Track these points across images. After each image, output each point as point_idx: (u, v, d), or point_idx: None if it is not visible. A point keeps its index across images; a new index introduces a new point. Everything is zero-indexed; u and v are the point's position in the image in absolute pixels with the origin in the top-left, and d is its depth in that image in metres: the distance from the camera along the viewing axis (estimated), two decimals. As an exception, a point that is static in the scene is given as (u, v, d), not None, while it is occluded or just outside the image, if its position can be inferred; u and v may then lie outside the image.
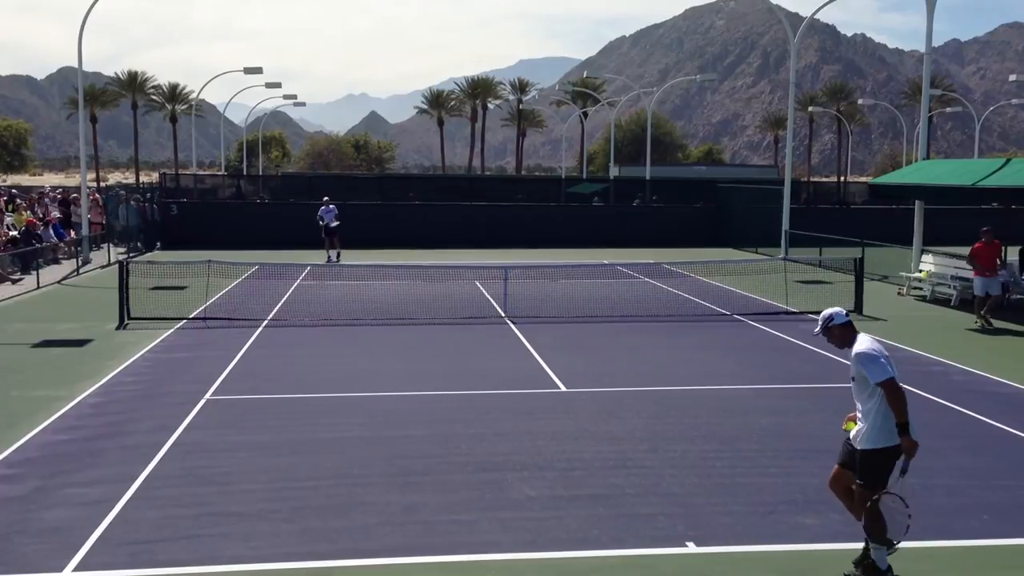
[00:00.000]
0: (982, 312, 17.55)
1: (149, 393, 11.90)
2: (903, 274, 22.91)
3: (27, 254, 24.66)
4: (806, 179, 70.08)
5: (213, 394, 11.77)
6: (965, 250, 23.80)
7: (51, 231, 28.63)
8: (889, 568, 6.40)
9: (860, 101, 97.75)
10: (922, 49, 23.92)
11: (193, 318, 17.48)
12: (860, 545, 6.57)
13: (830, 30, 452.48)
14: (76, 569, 6.64)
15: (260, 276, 22.99)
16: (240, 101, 74.55)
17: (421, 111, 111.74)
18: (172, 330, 16.35)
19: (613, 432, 10.15)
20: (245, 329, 16.42)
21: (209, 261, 19.02)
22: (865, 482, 6.39)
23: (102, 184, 70.67)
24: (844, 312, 6.73)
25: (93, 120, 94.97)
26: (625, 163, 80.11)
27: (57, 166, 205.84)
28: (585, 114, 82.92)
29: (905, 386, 12.73)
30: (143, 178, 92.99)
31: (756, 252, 32.06)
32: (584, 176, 72.16)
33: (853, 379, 6.55)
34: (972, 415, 11.04)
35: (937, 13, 23.28)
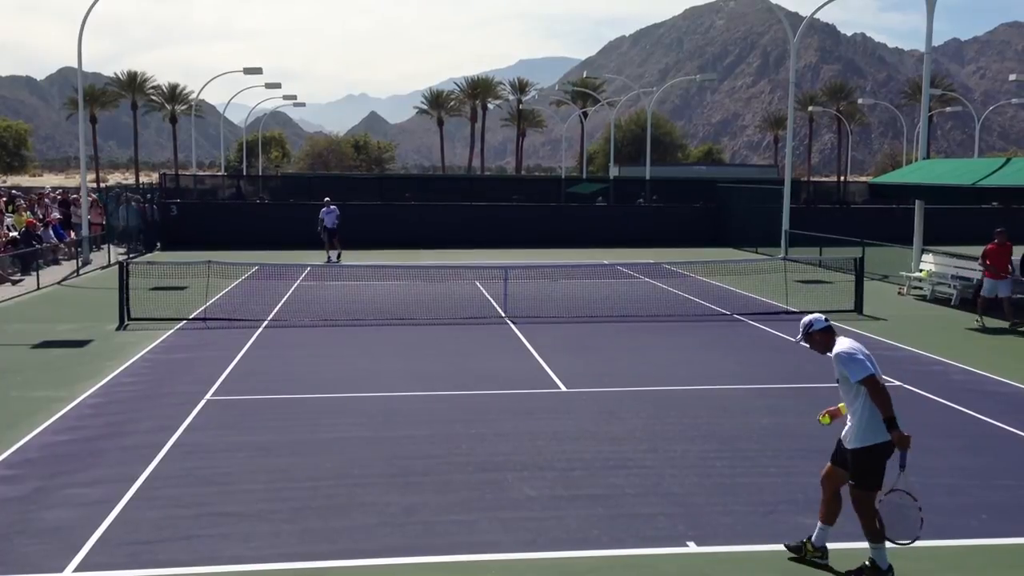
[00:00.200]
0: (1009, 316, 17.36)
1: (149, 394, 11.90)
2: (903, 274, 22.90)
3: (27, 255, 24.66)
4: (806, 179, 70.14)
5: (213, 395, 11.77)
6: (966, 250, 23.86)
7: (51, 232, 28.63)
8: (890, 568, 6.40)
9: (860, 101, 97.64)
10: (922, 48, 23.92)
11: (193, 319, 17.48)
12: (860, 544, 6.56)
13: (830, 29, 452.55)
14: (76, 569, 6.64)
15: (260, 276, 22.98)
16: (240, 101, 74.52)
17: (421, 111, 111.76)
18: (172, 331, 16.35)
19: (613, 432, 10.15)
20: (245, 329, 16.42)
21: (209, 262, 19.02)
22: (858, 482, 6.41)
23: (102, 185, 70.68)
24: (824, 317, 6.76)
25: (93, 120, 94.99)
26: (625, 163, 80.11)
27: (57, 167, 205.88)
28: (585, 114, 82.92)
29: (906, 386, 12.75)
30: (143, 178, 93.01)
31: (756, 252, 32.06)
32: (584, 176, 72.16)
33: (838, 381, 6.58)
34: (972, 414, 11.04)
35: (937, 12, 23.28)
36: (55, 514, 7.70)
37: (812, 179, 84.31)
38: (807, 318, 6.80)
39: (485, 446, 9.61)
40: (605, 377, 12.90)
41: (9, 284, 22.26)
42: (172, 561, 6.76)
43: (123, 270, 17.49)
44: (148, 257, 29.55)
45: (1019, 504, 8.07)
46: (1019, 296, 19.97)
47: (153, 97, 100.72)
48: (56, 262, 26.89)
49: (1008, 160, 21.18)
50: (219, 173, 71.10)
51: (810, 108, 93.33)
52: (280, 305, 19.35)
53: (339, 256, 28.82)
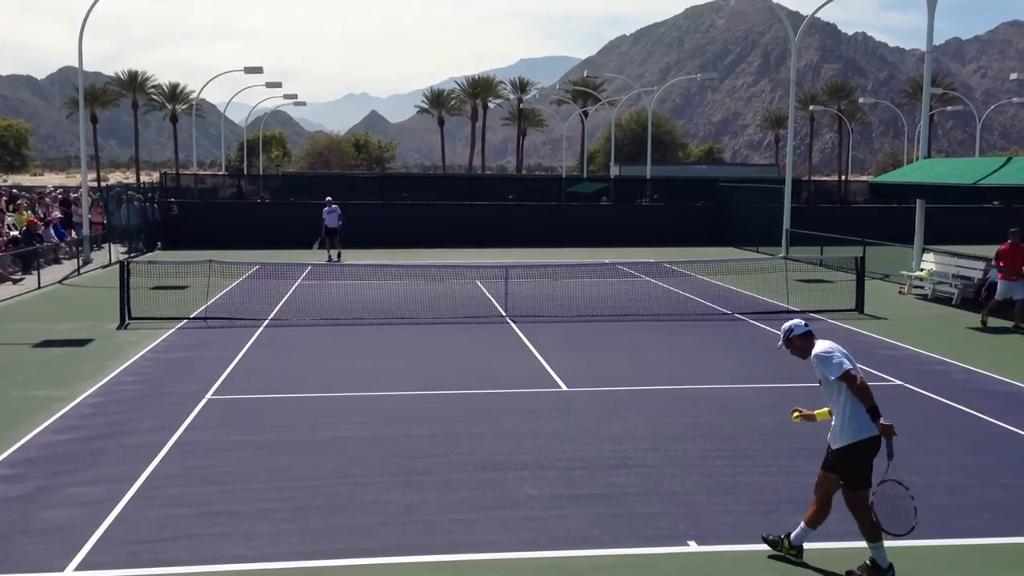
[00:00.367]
0: (1019, 318, 17.24)
1: (150, 393, 11.90)
2: (904, 273, 22.89)
3: (28, 254, 24.67)
4: (807, 178, 70.11)
5: (214, 394, 11.77)
6: (967, 249, 23.87)
7: (52, 231, 28.64)
8: (891, 567, 6.40)
9: (861, 100, 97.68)
10: (923, 48, 23.91)
11: (194, 318, 17.48)
12: (860, 544, 6.56)
13: (831, 29, 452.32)
14: (77, 568, 6.64)
15: (261, 276, 22.99)
16: (240, 101, 74.60)
17: (421, 110, 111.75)
18: (173, 330, 16.35)
19: (614, 431, 10.15)
20: (246, 329, 16.42)
21: (210, 261, 19.02)
22: (848, 481, 6.42)
23: (103, 184, 70.67)
24: (803, 323, 6.83)
25: (94, 120, 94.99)
26: (626, 162, 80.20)
27: (58, 166, 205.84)
28: (585, 113, 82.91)
29: (907, 385, 12.74)
30: (144, 178, 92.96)
31: (757, 251, 32.05)
32: (585, 175, 72.15)
33: (820, 382, 6.64)
34: (973, 414, 11.03)
35: (938, 11, 23.26)
36: (56, 513, 7.70)
37: (813, 178, 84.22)
38: (787, 324, 6.88)
39: (486, 445, 9.61)
40: (606, 376, 12.90)
41: (10, 283, 22.27)
42: (173, 560, 6.76)
43: (124, 269, 17.49)
44: (149, 256, 29.56)
45: (1020, 504, 8.07)
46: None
47: (154, 96, 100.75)
48: (57, 261, 26.90)
49: (1009, 159, 21.16)
50: (220, 172, 71.11)
51: (811, 107, 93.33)
52: (281, 304, 19.36)
53: (339, 256, 28.85)
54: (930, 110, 26.74)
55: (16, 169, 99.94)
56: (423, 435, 9.96)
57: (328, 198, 29.93)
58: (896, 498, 6.27)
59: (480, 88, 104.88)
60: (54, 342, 15.25)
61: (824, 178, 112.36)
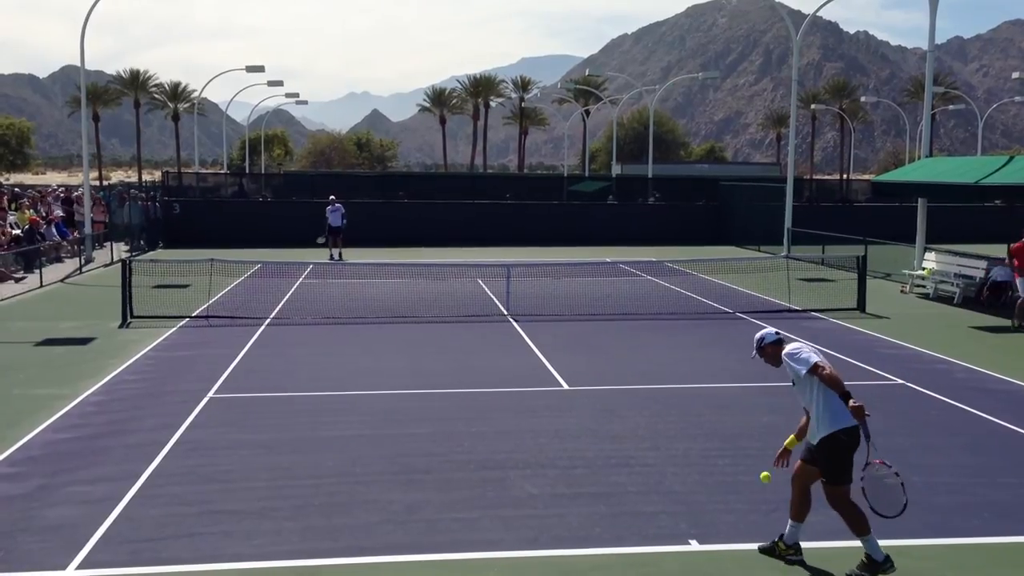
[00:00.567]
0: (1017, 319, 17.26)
1: (152, 391, 11.92)
2: (906, 272, 22.87)
3: (30, 253, 24.69)
4: (808, 177, 70.00)
5: (216, 392, 11.78)
6: (968, 248, 23.85)
7: (54, 230, 28.66)
8: (887, 558, 6.40)
9: (863, 98, 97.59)
10: (925, 46, 23.88)
11: (196, 316, 17.49)
12: (856, 544, 6.55)
13: (832, 27, 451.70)
14: (79, 567, 6.65)
15: (262, 274, 23.00)
16: (242, 99, 74.53)
17: (423, 109, 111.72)
18: (175, 328, 16.36)
19: (615, 430, 10.16)
20: (247, 327, 16.43)
21: (211, 260, 19.03)
22: (830, 476, 6.46)
23: (105, 183, 70.66)
24: (774, 331, 6.94)
25: (96, 119, 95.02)
26: (627, 161, 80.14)
27: (60, 165, 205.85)
28: (587, 112, 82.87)
29: (909, 384, 12.74)
30: (146, 176, 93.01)
31: (759, 250, 32.03)
32: (586, 174, 72.12)
33: (793, 383, 6.74)
34: (975, 412, 11.03)
35: (940, 10, 23.23)
36: (58, 512, 7.71)
37: (815, 177, 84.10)
38: (759, 334, 6.97)
39: (487, 444, 9.62)
40: (607, 375, 12.91)
41: (12, 282, 22.29)
42: (174, 559, 6.77)
43: (126, 268, 17.51)
44: (151, 255, 29.57)
45: (1021, 503, 8.06)
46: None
47: (156, 95, 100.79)
48: (59, 260, 26.93)
49: (1011, 158, 21.14)
50: (222, 171, 71.11)
51: (812, 106, 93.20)
52: (282, 303, 19.37)
53: (340, 255, 28.86)
54: (932, 109, 26.71)
55: (18, 168, 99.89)
56: (424, 434, 9.96)
57: (332, 197, 29.94)
58: (883, 478, 6.32)
59: (482, 87, 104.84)
60: (56, 341, 15.27)
61: (826, 177, 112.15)
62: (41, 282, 22.16)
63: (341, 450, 9.37)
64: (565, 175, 62.98)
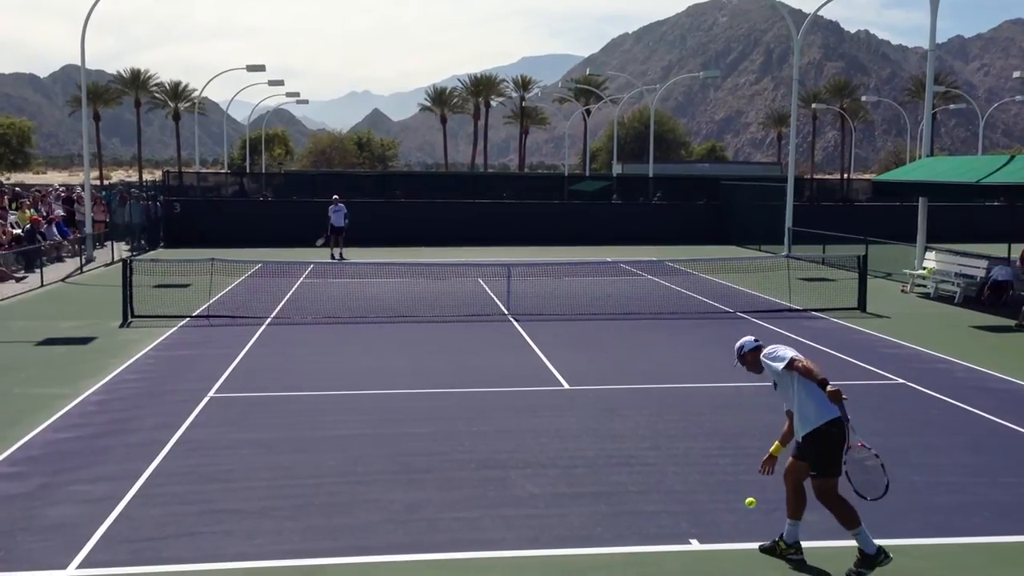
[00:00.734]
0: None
1: (152, 391, 11.92)
2: (907, 271, 22.87)
3: (31, 252, 24.70)
4: (809, 176, 69.96)
5: (216, 392, 11.79)
6: (969, 247, 23.83)
7: (55, 229, 28.67)
8: (880, 549, 6.40)
9: (863, 98, 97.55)
10: (925, 46, 23.86)
11: (196, 316, 17.50)
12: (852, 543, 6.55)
13: (833, 27, 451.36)
14: (80, 566, 6.65)
15: (263, 274, 23.01)
16: (243, 99, 74.47)
17: (424, 108, 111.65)
18: (175, 328, 16.37)
19: (616, 429, 10.16)
20: (248, 327, 16.44)
21: (212, 259, 19.03)
22: (820, 469, 6.48)
23: (106, 182, 70.72)
24: (753, 338, 6.99)
25: (96, 118, 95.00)
26: (628, 160, 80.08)
27: (61, 164, 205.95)
28: (588, 111, 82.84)
29: (909, 383, 12.73)
30: (146, 176, 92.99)
31: (759, 249, 32.02)
32: (587, 174, 72.11)
33: (775, 385, 6.79)
34: (976, 412, 11.02)
35: (941, 9, 23.23)
36: (58, 511, 7.71)
37: (815, 176, 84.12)
38: (739, 342, 7.02)
39: (488, 443, 9.62)
40: (608, 374, 12.91)
41: (13, 281, 22.30)
42: (175, 558, 6.77)
43: (126, 267, 17.51)
44: (151, 254, 29.57)
45: (1022, 502, 8.06)
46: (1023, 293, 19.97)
47: (156, 95, 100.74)
48: (60, 259, 26.94)
49: (1012, 157, 21.15)
50: (222, 170, 71.12)
51: (813, 105, 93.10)
52: (283, 303, 19.37)
53: (341, 255, 28.87)
54: (933, 108, 26.71)
55: (19, 167, 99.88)
56: (425, 433, 9.96)
57: (335, 196, 29.95)
58: (864, 461, 6.37)
59: (483, 86, 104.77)
60: (57, 340, 15.27)
61: (827, 176, 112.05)
62: (42, 281, 22.17)
63: (342, 449, 9.37)
64: (566, 174, 62.97)
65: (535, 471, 8.73)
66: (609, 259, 26.31)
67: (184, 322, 16.91)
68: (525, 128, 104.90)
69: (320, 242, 29.23)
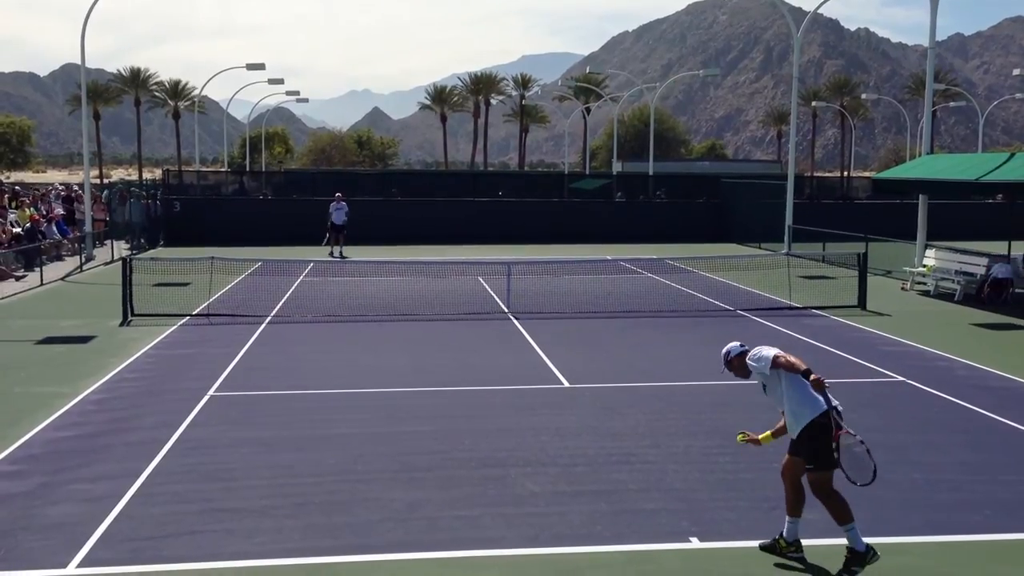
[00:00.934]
0: None
1: (152, 389, 11.92)
2: (907, 269, 22.85)
3: (31, 251, 24.70)
4: (809, 174, 69.97)
5: (216, 390, 11.79)
6: (969, 245, 23.82)
7: (54, 228, 28.67)
8: (868, 548, 6.42)
9: (863, 96, 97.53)
10: (925, 43, 23.85)
11: (196, 315, 17.50)
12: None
13: (833, 24, 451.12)
14: (80, 565, 6.65)
15: (263, 272, 23.00)
16: (243, 97, 74.45)
17: (424, 107, 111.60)
18: (175, 326, 16.36)
19: (616, 428, 10.15)
20: (248, 325, 16.43)
21: (212, 258, 19.03)
22: (815, 463, 6.50)
23: (105, 181, 70.68)
24: (739, 343, 7.01)
25: (96, 117, 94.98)
26: (628, 159, 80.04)
27: (61, 163, 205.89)
28: (588, 110, 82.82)
29: (910, 381, 12.73)
30: (146, 174, 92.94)
31: (759, 247, 32.00)
32: (587, 172, 72.09)
33: (764, 387, 6.81)
34: (976, 410, 11.02)
35: (940, 7, 23.22)
36: (59, 510, 7.71)
37: (815, 174, 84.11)
38: (725, 348, 7.03)
39: (488, 442, 9.62)
40: (608, 372, 12.90)
41: (13, 280, 22.30)
42: (175, 557, 6.77)
43: (126, 266, 17.51)
44: (151, 253, 29.57)
45: (1022, 500, 8.06)
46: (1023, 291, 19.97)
47: (156, 93, 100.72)
48: (59, 258, 26.94)
49: (1012, 155, 21.15)
50: (222, 169, 71.10)
51: (813, 103, 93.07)
52: (283, 301, 19.37)
53: (342, 253, 28.87)
54: (933, 106, 26.70)
55: (19, 166, 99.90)
56: (425, 431, 9.96)
57: (338, 194, 29.95)
58: (851, 447, 6.40)
59: (483, 84, 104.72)
60: (57, 339, 15.27)
61: (827, 174, 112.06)
62: (42, 280, 22.16)
63: (342, 448, 9.37)
64: (566, 172, 62.95)
65: (535, 469, 8.73)
66: (609, 257, 26.31)
67: (184, 321, 16.90)
68: (525, 126, 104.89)
69: (325, 242, 29.23)
